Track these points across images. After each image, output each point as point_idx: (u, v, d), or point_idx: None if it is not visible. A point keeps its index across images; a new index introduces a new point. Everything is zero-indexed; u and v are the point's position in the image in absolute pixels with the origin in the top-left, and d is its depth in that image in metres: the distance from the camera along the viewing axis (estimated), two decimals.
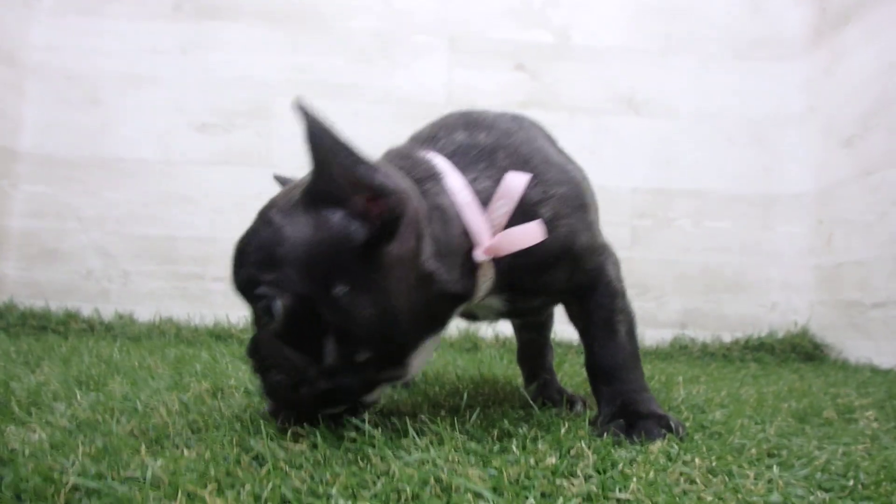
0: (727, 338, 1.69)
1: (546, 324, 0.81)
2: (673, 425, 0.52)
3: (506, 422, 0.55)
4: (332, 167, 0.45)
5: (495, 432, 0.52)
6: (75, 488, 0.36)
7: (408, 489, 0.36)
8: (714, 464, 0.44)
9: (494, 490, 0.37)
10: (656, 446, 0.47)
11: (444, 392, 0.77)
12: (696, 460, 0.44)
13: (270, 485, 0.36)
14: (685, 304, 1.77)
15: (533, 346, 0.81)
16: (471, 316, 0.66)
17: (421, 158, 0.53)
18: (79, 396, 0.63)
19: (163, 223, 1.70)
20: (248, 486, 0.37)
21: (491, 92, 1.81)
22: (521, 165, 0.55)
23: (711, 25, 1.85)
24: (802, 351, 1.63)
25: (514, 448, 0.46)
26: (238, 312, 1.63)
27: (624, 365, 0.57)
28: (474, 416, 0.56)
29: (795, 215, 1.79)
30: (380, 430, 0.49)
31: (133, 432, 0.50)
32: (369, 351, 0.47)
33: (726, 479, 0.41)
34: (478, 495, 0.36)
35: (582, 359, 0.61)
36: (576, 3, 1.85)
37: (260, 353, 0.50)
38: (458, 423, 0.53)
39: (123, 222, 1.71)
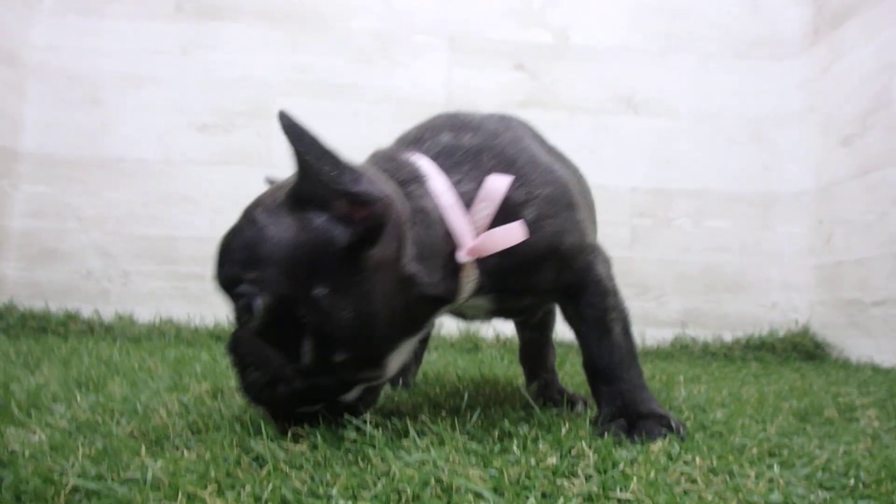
0: (728, 337, 1.69)
1: (547, 324, 0.81)
2: (674, 425, 0.52)
3: (506, 422, 0.55)
4: (317, 174, 0.45)
5: (496, 433, 0.52)
6: (75, 490, 0.36)
7: (408, 490, 0.36)
8: (715, 463, 0.44)
9: (495, 490, 0.37)
10: (657, 446, 0.47)
11: (445, 392, 0.77)
12: (697, 460, 0.44)
13: (271, 486, 0.36)
14: (685, 303, 1.77)
15: (534, 346, 0.81)
16: (461, 315, 0.66)
17: (405, 161, 0.54)
18: (79, 398, 0.63)
19: (163, 223, 1.70)
20: (248, 487, 0.36)
21: (491, 92, 1.81)
22: (506, 167, 0.55)
23: (710, 25, 1.85)
24: (804, 350, 1.63)
25: (514, 448, 0.46)
26: None
27: (621, 363, 0.57)
28: (475, 416, 0.56)
29: (795, 214, 1.79)
30: (380, 430, 0.49)
31: (133, 434, 0.50)
32: (347, 352, 0.47)
33: (727, 478, 0.41)
34: (478, 496, 0.36)
35: (581, 358, 0.61)
36: (575, 3, 1.85)
37: (239, 349, 0.51)
38: (458, 424, 0.53)
39: (123, 222, 1.71)
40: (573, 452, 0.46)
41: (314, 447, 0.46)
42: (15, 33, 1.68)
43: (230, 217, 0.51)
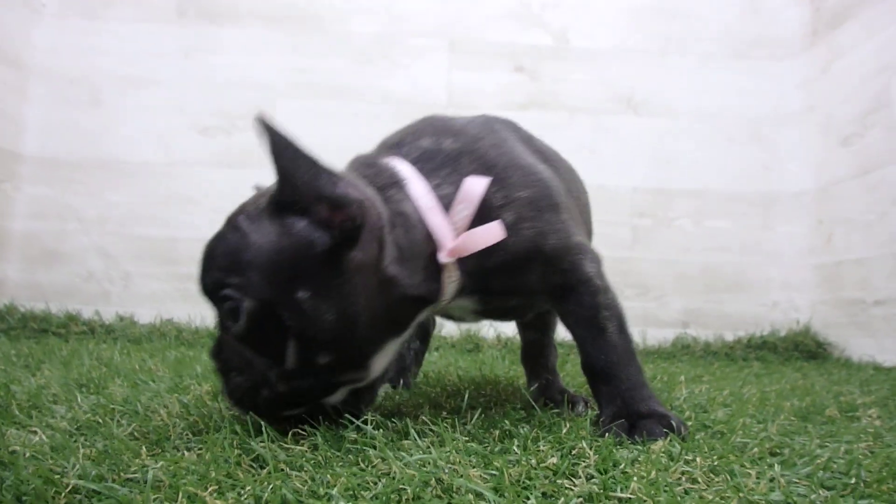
0: (729, 337, 1.69)
1: (549, 324, 0.81)
2: (674, 424, 0.52)
3: (507, 422, 0.55)
4: (296, 179, 0.46)
5: (496, 433, 0.52)
6: (76, 490, 0.36)
7: (409, 490, 0.36)
8: (716, 463, 0.44)
9: (496, 490, 0.37)
10: (658, 446, 0.47)
11: (446, 393, 0.77)
12: (698, 459, 0.44)
13: (271, 486, 0.36)
14: (686, 303, 1.77)
15: (536, 347, 0.81)
16: (450, 317, 0.66)
17: (385, 165, 0.55)
18: (79, 399, 0.63)
19: (164, 225, 1.70)
20: (248, 488, 0.37)
21: (491, 93, 1.81)
22: (486, 170, 0.56)
23: (710, 25, 1.85)
24: (805, 349, 1.62)
25: (515, 448, 0.46)
26: None
27: (618, 362, 0.56)
28: (475, 416, 0.56)
29: (795, 214, 1.79)
30: (381, 431, 0.49)
31: (134, 434, 0.50)
32: (330, 354, 0.48)
33: (728, 478, 0.41)
34: (479, 496, 0.36)
35: None
36: (574, 5, 1.85)
37: (223, 354, 0.51)
38: (459, 424, 0.53)
39: (124, 224, 1.71)
40: (574, 452, 0.45)
41: (315, 448, 0.46)
42: (17, 35, 1.69)
43: None
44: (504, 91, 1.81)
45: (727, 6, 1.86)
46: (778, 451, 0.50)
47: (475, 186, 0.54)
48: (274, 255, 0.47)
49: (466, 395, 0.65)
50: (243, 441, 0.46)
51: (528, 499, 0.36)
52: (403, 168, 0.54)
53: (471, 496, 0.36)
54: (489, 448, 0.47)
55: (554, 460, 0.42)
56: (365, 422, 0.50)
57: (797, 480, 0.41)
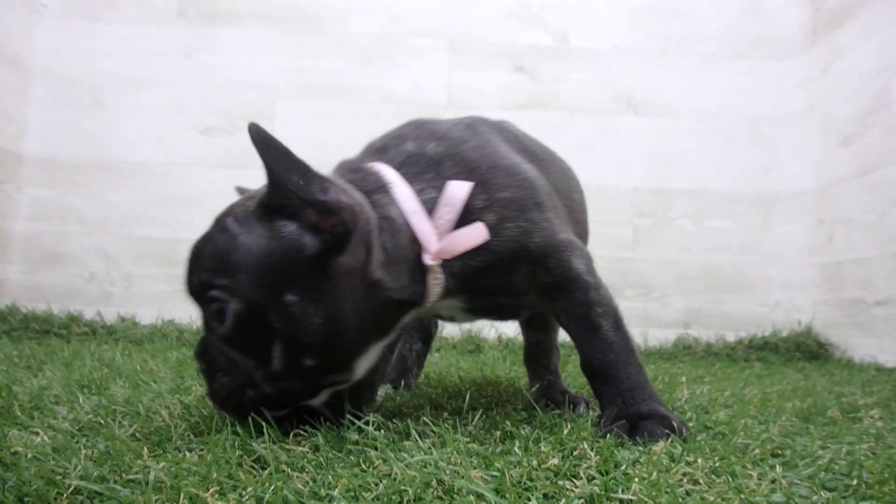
0: (731, 337, 1.69)
1: (552, 326, 0.81)
2: (675, 425, 0.52)
3: (508, 423, 0.55)
4: (288, 184, 0.47)
5: (498, 434, 0.52)
6: (78, 491, 0.36)
7: (410, 491, 0.36)
8: (717, 464, 0.44)
9: (497, 492, 0.37)
10: (659, 447, 0.47)
11: (447, 394, 0.77)
12: (700, 461, 0.44)
13: (272, 487, 0.36)
14: (687, 303, 1.77)
15: (538, 348, 0.81)
16: (439, 316, 0.67)
17: (370, 170, 0.55)
18: (81, 400, 0.63)
19: (165, 225, 1.70)
20: (250, 489, 0.37)
21: (491, 93, 1.81)
22: (468, 173, 0.56)
23: (710, 25, 1.85)
24: (807, 350, 1.62)
25: (516, 449, 0.46)
26: None
27: (616, 362, 0.56)
28: (477, 417, 0.56)
29: (795, 214, 1.79)
30: (382, 432, 0.49)
31: (135, 435, 0.50)
32: (316, 357, 0.49)
33: (729, 479, 0.41)
34: (480, 497, 0.36)
35: None
36: (574, 5, 1.85)
37: (208, 355, 0.51)
38: (460, 425, 0.53)
39: (126, 225, 1.71)
40: (575, 454, 0.45)
41: (316, 448, 0.46)
42: (19, 37, 1.69)
43: None
44: (504, 91, 1.81)
45: (727, 6, 1.86)
46: (779, 452, 0.50)
47: (458, 190, 0.54)
48: (263, 257, 0.47)
49: (467, 396, 0.65)
50: (245, 442, 0.46)
51: (529, 500, 0.36)
52: (388, 173, 0.55)
53: (472, 497, 0.36)
54: (490, 449, 0.47)
55: (555, 461, 0.42)
56: (366, 423, 0.51)
57: (799, 482, 0.41)
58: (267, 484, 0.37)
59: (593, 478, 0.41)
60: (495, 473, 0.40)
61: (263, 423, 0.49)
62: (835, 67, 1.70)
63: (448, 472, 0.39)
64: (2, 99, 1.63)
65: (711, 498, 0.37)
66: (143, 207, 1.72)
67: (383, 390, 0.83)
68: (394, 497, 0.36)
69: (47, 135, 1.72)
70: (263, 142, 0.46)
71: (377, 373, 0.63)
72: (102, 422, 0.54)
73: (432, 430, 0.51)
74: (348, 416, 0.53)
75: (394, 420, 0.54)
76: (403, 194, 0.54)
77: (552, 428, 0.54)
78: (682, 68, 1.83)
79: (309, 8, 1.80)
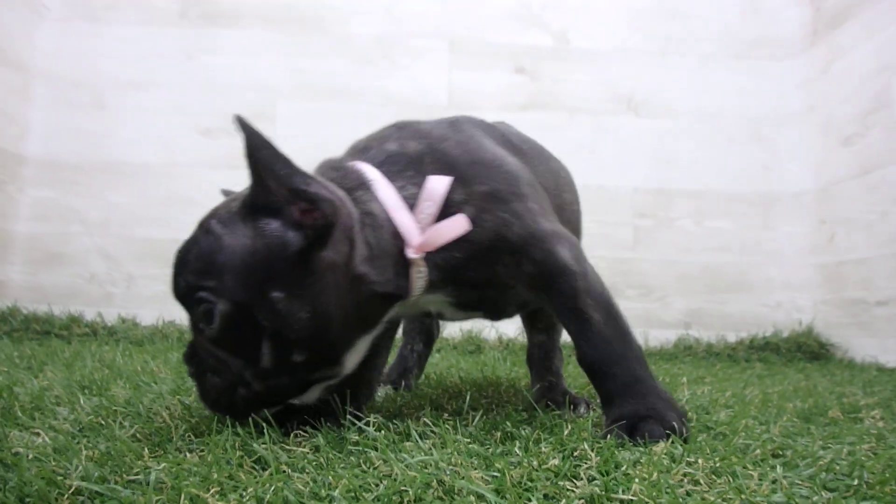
0: (732, 338, 1.69)
1: (555, 326, 0.81)
2: (675, 425, 0.51)
3: (508, 424, 0.55)
4: (270, 178, 0.48)
5: (498, 434, 0.52)
6: (79, 492, 0.36)
7: (410, 492, 0.36)
8: (718, 464, 0.44)
9: (497, 492, 0.37)
10: (660, 447, 0.47)
11: (447, 395, 0.77)
12: (700, 461, 0.44)
13: (273, 488, 0.37)
14: (689, 303, 1.77)
15: (541, 348, 0.81)
16: (427, 314, 0.66)
17: (351, 168, 0.56)
18: (82, 401, 0.63)
19: (166, 226, 1.71)
20: (250, 490, 0.37)
21: (491, 94, 1.81)
22: (447, 169, 0.57)
23: (709, 26, 1.85)
24: (808, 350, 1.62)
25: (516, 450, 0.46)
26: None
27: (612, 356, 0.54)
28: (477, 418, 0.56)
29: (795, 214, 1.79)
30: (382, 432, 0.49)
31: (136, 436, 0.50)
32: (304, 352, 0.49)
33: (730, 479, 0.41)
34: (480, 497, 0.36)
35: None
36: (574, 6, 1.85)
37: (197, 357, 0.52)
38: (460, 426, 0.53)
39: (127, 226, 1.72)
40: (576, 454, 0.45)
41: (316, 449, 0.46)
42: (21, 39, 1.70)
43: None
44: (504, 92, 1.81)
45: (727, 6, 1.86)
46: (780, 452, 0.50)
47: (438, 185, 0.55)
48: (248, 257, 0.48)
49: (468, 397, 0.65)
50: (245, 442, 0.46)
51: (529, 500, 0.36)
52: (369, 171, 0.56)
53: (472, 498, 0.36)
54: (491, 450, 0.47)
55: (555, 462, 0.42)
56: (367, 423, 0.51)
57: (799, 482, 0.41)
58: (267, 484, 0.37)
59: (594, 478, 0.41)
60: (496, 474, 0.40)
61: (264, 424, 0.49)
62: (835, 67, 1.70)
63: (448, 472, 0.39)
64: (3, 100, 1.64)
65: (712, 498, 0.37)
66: (144, 208, 1.72)
67: (384, 391, 0.83)
68: (394, 498, 0.36)
69: (49, 136, 1.73)
70: (248, 136, 0.47)
71: (375, 370, 0.63)
72: (103, 422, 0.54)
73: (433, 431, 0.51)
74: (349, 416, 0.53)
75: (394, 421, 0.54)
76: (384, 190, 0.54)
77: (553, 429, 0.54)
78: (682, 68, 1.83)
79: (309, 9, 1.81)
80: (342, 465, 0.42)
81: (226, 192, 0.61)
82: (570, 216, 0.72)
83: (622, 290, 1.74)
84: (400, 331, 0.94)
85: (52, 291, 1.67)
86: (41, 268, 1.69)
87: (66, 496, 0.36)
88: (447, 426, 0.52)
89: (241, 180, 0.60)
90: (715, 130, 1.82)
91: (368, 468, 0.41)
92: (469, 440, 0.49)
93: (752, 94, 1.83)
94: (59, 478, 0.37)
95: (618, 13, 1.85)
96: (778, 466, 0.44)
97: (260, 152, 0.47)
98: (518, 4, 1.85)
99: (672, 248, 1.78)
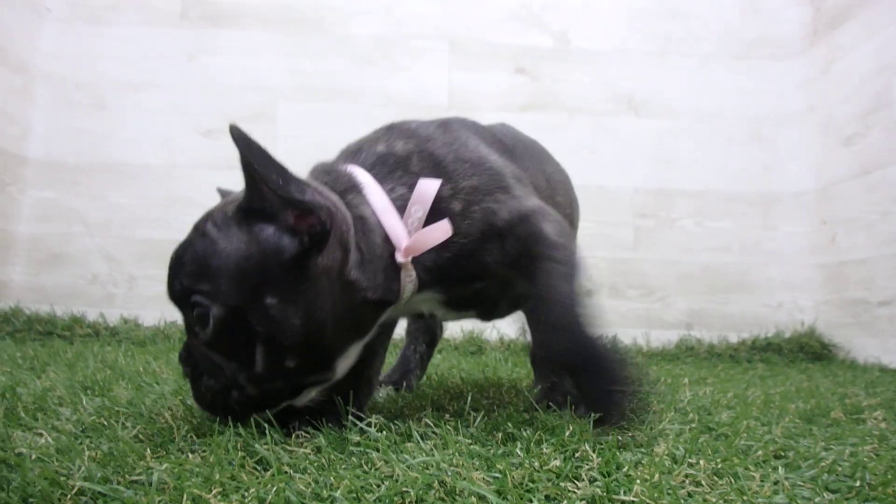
0: (734, 338, 1.68)
1: None
2: (605, 407, 0.51)
3: (510, 425, 0.55)
4: (265, 185, 0.48)
5: (499, 435, 0.52)
6: (81, 492, 0.36)
7: (412, 492, 0.36)
8: (720, 466, 0.44)
9: (498, 493, 0.37)
10: (661, 448, 0.47)
11: (449, 395, 0.77)
12: (702, 462, 0.44)
13: (275, 489, 0.37)
14: (690, 304, 1.76)
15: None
16: (420, 315, 0.67)
17: (342, 172, 0.56)
18: (84, 401, 0.63)
19: (168, 227, 1.71)
20: (252, 490, 0.37)
21: (491, 94, 1.81)
22: (434, 166, 0.58)
23: (709, 26, 1.85)
24: (810, 351, 1.62)
25: (518, 451, 0.46)
26: None
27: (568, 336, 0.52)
28: (478, 419, 0.57)
29: (796, 215, 1.79)
30: (384, 433, 0.49)
31: (138, 437, 0.50)
32: (298, 358, 0.49)
33: (732, 481, 0.41)
34: (482, 498, 0.36)
35: None
36: (574, 6, 1.85)
37: (192, 360, 0.52)
38: (462, 427, 0.53)
39: (129, 227, 1.72)
40: (577, 455, 0.45)
41: (318, 450, 0.46)
42: (23, 40, 1.70)
43: None
44: (505, 92, 1.81)
45: (727, 6, 1.86)
46: (782, 453, 0.50)
47: (427, 188, 0.56)
48: (243, 261, 0.48)
49: (469, 398, 0.65)
50: (247, 443, 0.46)
51: (531, 501, 0.37)
52: (359, 174, 0.56)
53: (474, 499, 0.36)
54: (492, 451, 0.47)
55: (557, 463, 0.42)
56: (368, 424, 0.51)
57: (801, 483, 0.41)
58: (269, 485, 0.37)
59: (595, 479, 0.41)
60: (497, 475, 0.40)
61: (266, 425, 0.49)
62: (835, 67, 1.70)
63: (450, 473, 0.39)
64: (5, 101, 1.64)
65: (713, 500, 0.37)
66: (145, 209, 1.72)
67: (385, 391, 0.83)
68: (396, 498, 0.36)
69: (50, 137, 1.73)
70: (243, 143, 0.47)
71: (373, 368, 0.63)
72: (106, 423, 0.54)
73: (434, 432, 0.51)
74: (350, 417, 0.53)
75: (396, 421, 0.54)
76: (375, 194, 0.55)
77: (554, 429, 0.54)
78: (682, 69, 1.83)
79: (310, 10, 1.81)
80: (344, 466, 0.42)
81: (222, 192, 0.61)
82: (568, 209, 0.72)
83: (623, 290, 1.74)
84: (402, 331, 0.94)
85: (54, 292, 1.68)
86: (43, 268, 1.69)
87: (68, 496, 0.36)
88: (449, 427, 0.52)
89: (240, 181, 0.60)
90: (715, 130, 1.81)
91: (370, 469, 0.41)
92: (470, 441, 0.49)
93: (752, 94, 1.82)
94: (62, 478, 0.37)
95: (618, 13, 1.85)
96: (780, 468, 0.44)
97: (254, 160, 0.47)
98: (518, 5, 1.85)
99: (673, 248, 1.78)
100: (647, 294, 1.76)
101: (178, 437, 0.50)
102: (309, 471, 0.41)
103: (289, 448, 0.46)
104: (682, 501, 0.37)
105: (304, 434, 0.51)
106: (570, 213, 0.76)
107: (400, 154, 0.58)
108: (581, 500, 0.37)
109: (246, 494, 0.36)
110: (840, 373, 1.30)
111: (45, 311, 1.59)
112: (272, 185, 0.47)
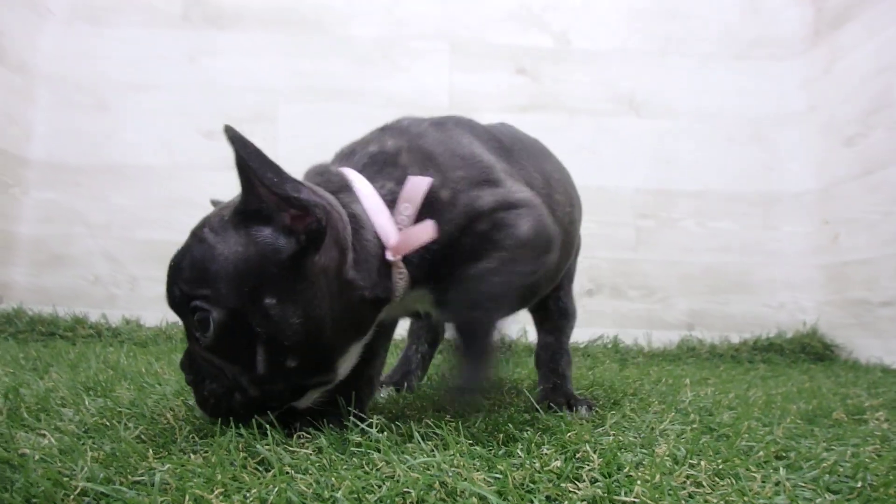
0: (735, 338, 1.68)
1: (563, 329, 0.82)
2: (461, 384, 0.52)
3: (511, 426, 0.55)
4: (261, 186, 0.48)
5: (500, 436, 0.52)
6: (84, 493, 0.36)
7: (413, 493, 0.37)
8: (721, 466, 0.44)
9: (499, 494, 0.37)
10: (662, 449, 0.47)
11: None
12: (703, 463, 0.44)
13: (276, 489, 0.37)
14: (691, 304, 1.76)
15: (548, 350, 0.81)
16: (417, 315, 0.66)
17: (334, 172, 0.57)
18: (87, 402, 0.63)
19: (169, 228, 1.71)
20: (254, 491, 0.37)
21: (492, 95, 1.81)
22: (424, 160, 0.58)
23: (710, 26, 1.85)
24: (812, 351, 1.61)
25: (519, 452, 0.46)
26: None
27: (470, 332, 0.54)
28: (479, 420, 0.57)
29: (797, 215, 1.78)
30: (385, 434, 0.49)
31: (140, 437, 0.50)
32: (298, 358, 0.50)
33: (733, 481, 0.41)
34: (483, 499, 0.36)
35: (587, 361, 0.61)
36: (575, 7, 1.85)
37: (194, 365, 0.52)
38: (462, 428, 0.54)
39: (130, 228, 1.72)
40: (578, 456, 0.45)
41: (319, 451, 0.46)
42: (24, 41, 1.71)
43: None
44: (505, 93, 1.81)
45: (727, 6, 1.85)
46: (784, 454, 0.50)
47: (417, 185, 0.56)
48: (241, 264, 0.48)
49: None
50: (249, 444, 0.46)
51: (531, 502, 0.37)
52: (351, 174, 0.57)
53: (475, 499, 0.36)
54: (493, 451, 0.47)
55: (558, 464, 0.42)
56: (369, 425, 0.51)
57: (803, 484, 0.41)
58: (271, 486, 0.37)
59: (596, 480, 0.41)
60: (498, 476, 0.40)
61: (267, 426, 0.49)
62: (836, 67, 1.70)
63: (451, 474, 0.39)
64: (7, 103, 1.65)
65: (715, 500, 0.37)
66: (147, 210, 1.73)
67: (386, 392, 0.83)
68: (397, 499, 0.36)
69: (52, 138, 1.74)
70: (239, 144, 0.47)
71: (374, 368, 0.63)
72: (108, 424, 0.55)
73: (435, 433, 0.51)
74: (352, 418, 0.53)
75: (397, 422, 0.55)
76: (365, 192, 0.55)
77: (555, 430, 0.54)
78: (682, 69, 1.83)
79: (310, 11, 1.81)
80: (345, 467, 0.42)
81: (214, 202, 0.61)
82: (560, 217, 0.72)
83: (624, 290, 1.74)
84: (404, 332, 0.94)
85: (56, 293, 1.68)
86: (45, 269, 1.70)
87: (71, 497, 0.36)
88: (449, 428, 0.52)
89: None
90: (716, 130, 1.81)
91: (371, 469, 0.41)
92: (471, 442, 0.49)
93: (752, 95, 1.82)
94: (65, 479, 0.38)
95: (618, 13, 1.85)
96: (781, 468, 0.44)
97: (250, 161, 0.47)
98: (518, 5, 1.85)
99: (674, 248, 1.78)
100: (648, 294, 1.76)
101: (180, 437, 0.50)
102: (310, 471, 0.41)
103: (290, 449, 0.46)
104: (683, 502, 0.37)
105: (305, 435, 0.51)
106: (569, 210, 0.76)
107: (390, 151, 0.59)
108: (582, 500, 0.37)
109: (248, 495, 0.36)
110: (842, 373, 1.30)
111: (47, 312, 1.60)
112: (268, 183, 0.47)
